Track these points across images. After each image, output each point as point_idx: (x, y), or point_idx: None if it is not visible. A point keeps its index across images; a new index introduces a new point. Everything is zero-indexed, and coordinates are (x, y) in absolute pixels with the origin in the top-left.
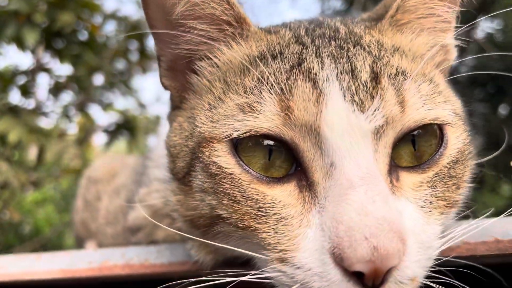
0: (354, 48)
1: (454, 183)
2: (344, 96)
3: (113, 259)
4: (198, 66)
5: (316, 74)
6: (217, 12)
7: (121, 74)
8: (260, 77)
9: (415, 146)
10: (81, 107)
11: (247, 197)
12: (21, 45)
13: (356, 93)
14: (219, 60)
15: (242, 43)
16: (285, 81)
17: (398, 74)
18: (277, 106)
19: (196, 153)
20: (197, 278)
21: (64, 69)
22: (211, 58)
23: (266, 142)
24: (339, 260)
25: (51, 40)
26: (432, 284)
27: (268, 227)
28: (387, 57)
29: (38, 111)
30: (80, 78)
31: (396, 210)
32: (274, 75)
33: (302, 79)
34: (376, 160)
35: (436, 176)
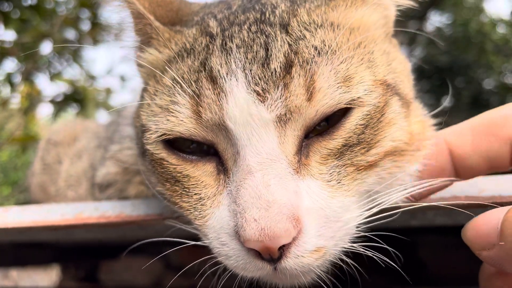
0: (275, 32)
1: (363, 147)
2: (248, 87)
3: (87, 212)
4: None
5: (217, 71)
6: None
7: (71, 43)
8: (174, 79)
9: (328, 122)
10: (27, 76)
11: (175, 179)
12: None
13: (260, 83)
14: (147, 59)
15: (157, 48)
16: (194, 83)
17: (315, 56)
18: (190, 110)
19: (142, 138)
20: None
21: (9, 35)
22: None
23: None
24: (238, 237)
25: None
26: (361, 249)
27: (190, 205)
28: (309, 39)
29: None
30: (26, 44)
31: (292, 191)
32: (187, 76)
33: (206, 79)
34: (282, 144)
35: (344, 146)
